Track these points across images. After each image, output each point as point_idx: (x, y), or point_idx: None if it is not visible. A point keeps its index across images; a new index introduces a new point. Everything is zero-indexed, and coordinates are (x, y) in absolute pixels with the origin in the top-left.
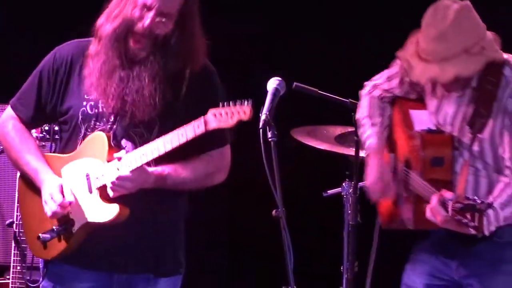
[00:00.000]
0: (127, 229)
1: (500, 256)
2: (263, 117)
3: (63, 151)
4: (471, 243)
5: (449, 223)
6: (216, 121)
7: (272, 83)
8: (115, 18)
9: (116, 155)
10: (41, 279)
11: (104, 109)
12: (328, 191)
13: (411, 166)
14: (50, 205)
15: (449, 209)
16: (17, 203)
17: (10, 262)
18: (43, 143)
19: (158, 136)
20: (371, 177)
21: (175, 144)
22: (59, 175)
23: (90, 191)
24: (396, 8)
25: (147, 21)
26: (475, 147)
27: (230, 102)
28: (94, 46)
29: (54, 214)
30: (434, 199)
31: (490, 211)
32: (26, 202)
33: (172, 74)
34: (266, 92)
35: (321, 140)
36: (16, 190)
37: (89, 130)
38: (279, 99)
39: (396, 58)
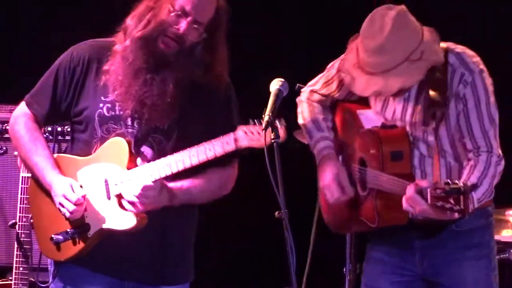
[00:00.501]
0: (140, 236)
1: (462, 243)
2: (266, 118)
3: (77, 152)
4: (431, 235)
5: (428, 212)
6: (247, 139)
7: (275, 85)
8: (149, 21)
9: (139, 161)
10: (50, 279)
11: (121, 112)
12: None
13: (366, 164)
14: (67, 206)
15: (428, 196)
16: (20, 203)
17: (12, 263)
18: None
19: (176, 143)
20: (327, 179)
21: (202, 158)
22: (74, 177)
23: (109, 198)
24: None
25: (183, 26)
26: (431, 138)
27: (262, 120)
28: (121, 45)
29: (73, 213)
30: (410, 189)
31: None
32: (38, 202)
33: (190, 82)
34: (269, 93)
35: None
36: (20, 189)
37: (105, 132)
38: (281, 101)
39: (333, 63)
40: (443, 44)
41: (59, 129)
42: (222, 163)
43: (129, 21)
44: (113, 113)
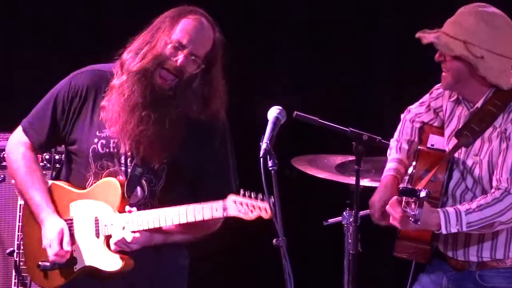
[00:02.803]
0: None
1: None
2: (263, 146)
3: (72, 181)
4: (457, 281)
5: (403, 220)
6: (235, 209)
7: (273, 112)
8: (145, 55)
9: (128, 208)
10: None
11: (115, 149)
12: (329, 220)
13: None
14: (49, 252)
15: (403, 201)
16: (18, 231)
17: None
18: (44, 172)
19: (165, 183)
20: (372, 198)
21: (190, 219)
22: (67, 208)
23: (97, 236)
24: (399, 42)
25: (180, 59)
26: (477, 171)
27: (252, 193)
28: (118, 80)
29: (55, 260)
30: (394, 197)
31: (451, 210)
32: (29, 228)
33: (187, 118)
34: (267, 121)
35: (321, 169)
36: (17, 217)
37: (99, 168)
38: (279, 128)
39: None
40: None
41: (57, 157)
42: (213, 197)
43: (126, 55)
44: (107, 150)
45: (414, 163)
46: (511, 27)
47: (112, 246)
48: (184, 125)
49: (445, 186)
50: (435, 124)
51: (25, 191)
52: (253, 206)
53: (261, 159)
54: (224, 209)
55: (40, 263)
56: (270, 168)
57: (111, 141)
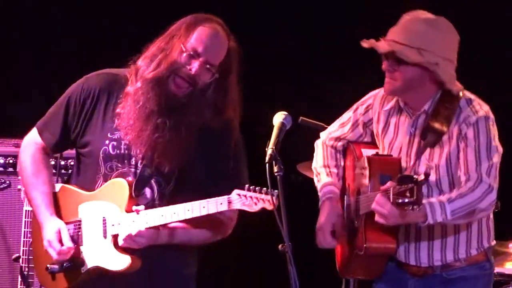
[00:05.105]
0: (136, 274)
1: None
2: (269, 151)
3: (81, 184)
4: (422, 282)
5: (394, 212)
6: (240, 202)
7: (278, 118)
8: (160, 62)
9: (135, 208)
10: None
11: (126, 151)
12: None
13: (360, 192)
14: (51, 252)
15: (391, 195)
16: (23, 237)
17: None
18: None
19: (174, 186)
20: (321, 221)
21: (196, 214)
22: (75, 211)
23: (105, 237)
24: None
25: (194, 67)
26: (432, 176)
27: (256, 187)
28: (133, 87)
29: (58, 259)
30: (378, 194)
31: (434, 200)
32: (36, 232)
33: (200, 125)
34: (272, 126)
35: None
36: (23, 223)
37: (109, 169)
38: (285, 134)
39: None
40: (466, 92)
41: (62, 163)
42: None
43: (141, 62)
44: (118, 151)
45: (369, 169)
46: (454, 32)
47: (121, 243)
48: (196, 132)
49: None
50: (365, 140)
51: (29, 192)
52: (257, 199)
53: (267, 164)
54: (229, 202)
55: (48, 266)
56: (276, 174)
57: (122, 142)
